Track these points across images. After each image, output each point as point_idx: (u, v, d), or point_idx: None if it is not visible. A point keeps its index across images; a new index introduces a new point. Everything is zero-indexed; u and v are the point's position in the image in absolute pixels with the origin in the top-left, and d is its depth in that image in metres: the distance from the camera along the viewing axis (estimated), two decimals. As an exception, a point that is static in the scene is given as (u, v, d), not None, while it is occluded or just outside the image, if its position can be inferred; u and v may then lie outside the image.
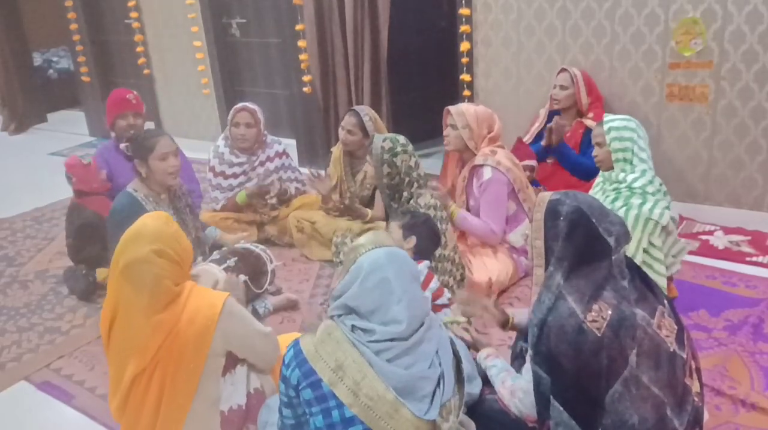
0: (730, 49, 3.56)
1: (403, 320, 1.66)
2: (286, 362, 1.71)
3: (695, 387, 1.83)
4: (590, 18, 3.92)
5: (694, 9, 3.60)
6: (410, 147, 2.94)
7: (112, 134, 3.73)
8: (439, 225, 2.84)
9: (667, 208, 2.63)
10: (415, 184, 2.91)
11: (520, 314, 2.26)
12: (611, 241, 1.74)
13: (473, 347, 2.28)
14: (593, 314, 1.69)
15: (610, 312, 1.69)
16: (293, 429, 1.76)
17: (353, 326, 1.69)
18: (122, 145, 3.02)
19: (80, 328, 3.19)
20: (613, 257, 1.75)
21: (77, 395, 2.69)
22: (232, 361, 2.12)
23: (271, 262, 3.11)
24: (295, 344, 1.73)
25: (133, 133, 3.12)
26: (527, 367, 1.85)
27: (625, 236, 1.78)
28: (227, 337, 2.04)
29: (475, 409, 1.99)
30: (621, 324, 1.69)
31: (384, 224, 3.40)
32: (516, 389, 1.90)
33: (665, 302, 1.84)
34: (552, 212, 1.79)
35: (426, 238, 2.72)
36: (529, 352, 1.78)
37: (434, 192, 3.04)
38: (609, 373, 1.67)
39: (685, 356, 1.80)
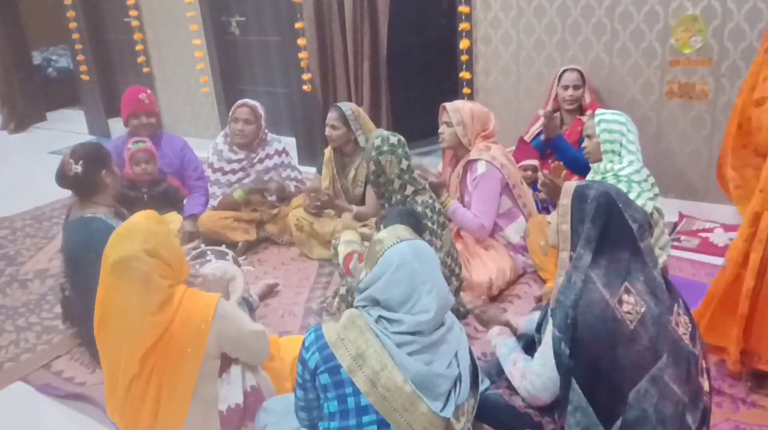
0: (729, 47, 3.56)
1: (432, 309, 1.68)
2: (306, 345, 1.71)
3: (705, 386, 1.84)
4: (590, 16, 3.91)
5: (693, 6, 3.59)
6: (400, 150, 2.77)
7: (127, 130, 3.87)
8: (434, 228, 2.77)
9: (652, 199, 2.66)
10: (409, 187, 2.79)
11: (523, 324, 2.28)
12: (635, 227, 1.78)
13: (483, 324, 2.33)
14: (628, 305, 1.72)
15: (644, 308, 1.72)
16: (302, 411, 1.79)
17: (379, 317, 1.70)
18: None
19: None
20: (641, 244, 1.79)
21: (77, 396, 2.68)
22: (227, 361, 2.12)
23: (239, 264, 2.93)
24: (317, 328, 1.73)
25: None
26: (541, 350, 1.88)
27: (648, 226, 1.82)
28: (221, 338, 2.05)
29: (480, 405, 1.99)
30: (653, 321, 1.72)
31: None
32: (528, 371, 1.92)
33: (680, 299, 1.86)
34: (580, 196, 1.84)
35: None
36: (554, 334, 1.77)
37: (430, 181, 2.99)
38: (636, 367, 1.69)
39: (698, 353, 1.81)
